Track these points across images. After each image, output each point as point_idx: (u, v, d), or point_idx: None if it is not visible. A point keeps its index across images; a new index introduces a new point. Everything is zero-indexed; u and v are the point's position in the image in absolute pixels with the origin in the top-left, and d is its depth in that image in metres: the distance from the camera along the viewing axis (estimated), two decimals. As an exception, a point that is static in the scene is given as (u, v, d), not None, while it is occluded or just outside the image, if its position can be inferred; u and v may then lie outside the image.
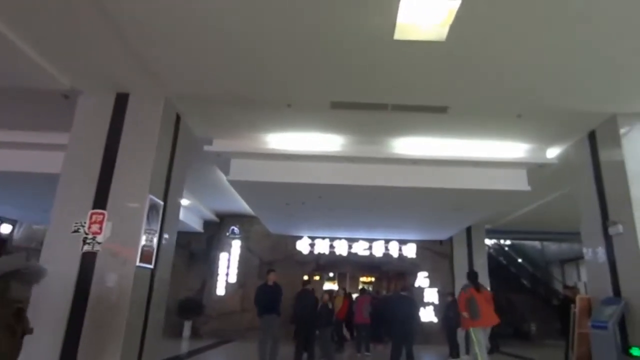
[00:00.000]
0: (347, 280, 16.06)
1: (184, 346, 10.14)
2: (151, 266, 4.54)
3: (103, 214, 4.39)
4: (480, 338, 5.47)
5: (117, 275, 4.14)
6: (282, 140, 6.01)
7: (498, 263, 17.18)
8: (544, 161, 6.15)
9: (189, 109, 5.23)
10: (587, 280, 5.78)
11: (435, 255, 12.25)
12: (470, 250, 12.07)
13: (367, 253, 12.03)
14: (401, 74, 4.20)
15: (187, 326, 11.53)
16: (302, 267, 12.45)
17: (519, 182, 6.38)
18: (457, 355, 8.10)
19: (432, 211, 8.12)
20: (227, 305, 11.81)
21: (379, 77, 4.29)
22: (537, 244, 17.31)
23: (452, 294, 9.29)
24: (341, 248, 12.05)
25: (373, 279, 15.70)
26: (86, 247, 4.24)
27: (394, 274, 13.07)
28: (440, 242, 12.23)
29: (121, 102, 4.85)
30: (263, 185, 6.52)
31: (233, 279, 11.95)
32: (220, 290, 11.89)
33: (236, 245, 12.29)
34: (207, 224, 12.62)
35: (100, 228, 4.33)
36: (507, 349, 10.30)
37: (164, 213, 4.86)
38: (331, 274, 15.20)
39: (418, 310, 6.90)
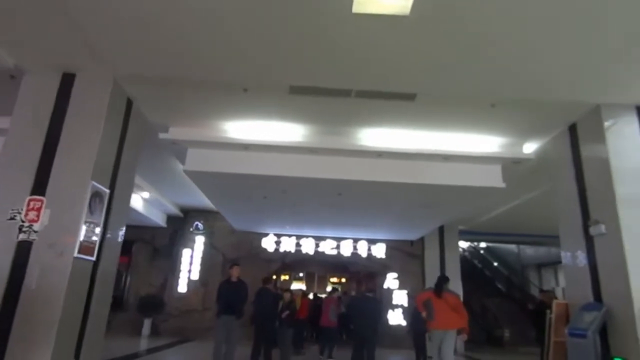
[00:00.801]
0: (315, 280, 16.21)
1: (142, 344, 9.99)
2: (93, 258, 4.32)
3: (41, 201, 4.24)
4: (434, 339, 5.64)
5: (53, 266, 3.99)
6: (241, 128, 5.84)
7: (473, 266, 17.63)
8: (520, 156, 6.10)
9: (142, 94, 5.03)
10: (565, 284, 5.62)
11: (405, 256, 12.39)
12: (443, 251, 12.27)
13: (334, 252, 12.03)
14: (363, 54, 4.03)
15: (147, 324, 11.33)
16: (268, 265, 12.40)
17: (493, 179, 6.36)
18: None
19: (401, 208, 8.21)
20: (188, 303, 11.65)
21: (338, 58, 4.11)
22: (513, 247, 17.73)
23: None
24: (308, 246, 12.01)
25: (344, 280, 15.90)
26: (22, 236, 4.07)
27: (364, 275, 13.24)
28: (411, 242, 12.34)
29: (67, 83, 4.64)
30: (221, 176, 6.33)
31: (195, 276, 11.78)
32: (182, 288, 11.69)
33: (200, 241, 12.12)
34: (171, 219, 12.41)
35: (38, 215, 4.17)
36: (478, 355, 10.66)
37: (110, 202, 4.70)
38: (300, 274, 15.31)
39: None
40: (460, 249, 17.57)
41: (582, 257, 5.05)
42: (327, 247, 12.13)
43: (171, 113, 5.61)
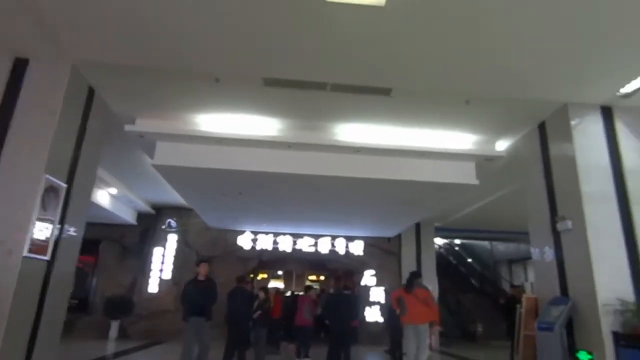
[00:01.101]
0: (294, 278, 16.10)
1: (109, 348, 9.61)
2: (46, 257, 4.06)
3: (-12, 194, 3.98)
4: (408, 334, 5.80)
5: (1, 265, 3.73)
6: (213, 121, 5.68)
7: (448, 263, 18.04)
8: (493, 154, 6.25)
9: (105, 82, 4.79)
10: (534, 279, 5.81)
11: (383, 253, 12.45)
12: (419, 248, 12.40)
13: (312, 250, 11.98)
14: (337, 46, 3.97)
15: (115, 326, 10.93)
16: (244, 263, 12.21)
17: (467, 175, 6.47)
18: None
19: (377, 205, 8.19)
20: (159, 303, 11.29)
21: (313, 50, 4.03)
22: (486, 244, 18.25)
23: None
24: (285, 244, 11.91)
25: (322, 277, 15.86)
26: (-35, 233, 3.83)
27: (343, 272, 13.25)
28: (388, 239, 12.42)
29: (19, 68, 4.36)
30: (193, 171, 6.12)
31: (168, 275, 11.43)
32: (153, 288, 11.33)
33: (172, 239, 11.76)
34: (141, 216, 11.98)
35: (-16, 210, 3.92)
36: (451, 350, 10.80)
37: (68, 198, 4.44)
38: (279, 272, 15.14)
39: (358, 309, 6.83)
40: (437, 246, 18.02)
41: (549, 253, 5.20)
42: (305, 245, 12.04)
43: (138, 104, 5.37)
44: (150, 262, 11.50)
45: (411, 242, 12.41)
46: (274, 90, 4.85)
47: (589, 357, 4.39)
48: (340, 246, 12.04)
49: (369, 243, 12.32)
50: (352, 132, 6.00)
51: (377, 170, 6.33)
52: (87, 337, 10.61)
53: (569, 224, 4.88)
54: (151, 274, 11.41)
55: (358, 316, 6.76)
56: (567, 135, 5.06)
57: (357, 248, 12.13)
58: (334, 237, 12.09)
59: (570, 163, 4.94)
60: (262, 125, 5.83)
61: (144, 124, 5.64)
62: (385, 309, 9.87)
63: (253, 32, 3.85)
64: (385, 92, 4.86)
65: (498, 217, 11.19)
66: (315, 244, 12.04)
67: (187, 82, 4.79)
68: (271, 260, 12.75)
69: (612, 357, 4.20)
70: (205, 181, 6.78)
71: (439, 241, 17.76)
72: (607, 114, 5.17)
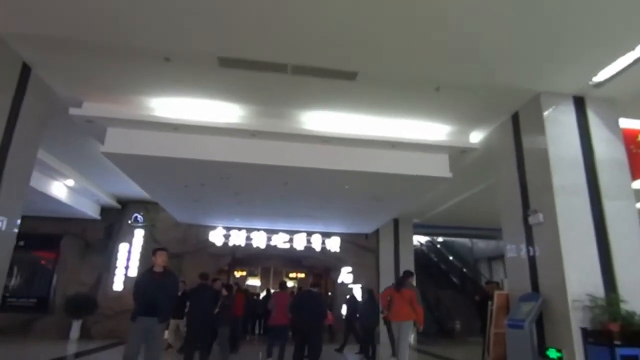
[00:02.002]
0: (271, 276, 15.83)
1: (69, 348, 9.15)
2: None
3: None
4: (396, 331, 6.21)
5: None
6: (168, 106, 5.37)
7: (429, 260, 18.12)
8: (467, 145, 6.13)
9: (43, 59, 4.38)
10: (507, 275, 5.73)
11: (360, 249, 12.29)
12: (397, 244, 12.30)
13: (287, 246, 11.72)
14: (296, 23, 3.71)
15: (76, 326, 10.43)
16: (217, 260, 11.86)
17: (440, 168, 6.33)
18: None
19: (350, 199, 7.96)
20: (125, 302, 10.78)
21: (270, 26, 3.78)
22: (467, 241, 18.41)
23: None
24: (259, 240, 11.60)
25: (302, 275, 15.63)
26: None
27: (322, 269, 13.04)
28: (366, 235, 12.27)
29: None
30: (147, 160, 5.78)
31: (134, 272, 10.99)
32: (118, 286, 10.88)
33: (139, 234, 11.31)
34: (106, 210, 11.49)
35: None
36: (428, 347, 10.73)
37: (-2, 184, 4.11)
38: (256, 270, 14.85)
39: (325, 308, 6.56)
40: (418, 243, 18.07)
41: (521, 247, 5.10)
42: (280, 241, 11.76)
43: (84, 85, 4.99)
44: (116, 258, 11.04)
45: (389, 239, 12.29)
46: (231, 71, 4.56)
47: (558, 354, 4.27)
48: (317, 242, 11.81)
49: (346, 239, 12.13)
50: (319, 120, 5.76)
51: (347, 162, 6.11)
52: (46, 337, 10.12)
53: (540, 217, 4.78)
54: (116, 271, 10.95)
55: (325, 315, 6.46)
56: (539, 125, 4.97)
57: (334, 244, 11.92)
58: (309, 233, 11.85)
59: (543, 154, 4.85)
60: (223, 111, 5.53)
61: (91, 108, 5.27)
62: (349, 306, 9.56)
63: (206, 7, 3.56)
64: (350, 76, 4.62)
65: (476, 214, 11.16)
66: (291, 240, 11.77)
67: (134, 60, 4.44)
68: (245, 257, 12.44)
69: (581, 354, 4.09)
70: (163, 171, 6.43)
71: (420, 239, 17.80)
72: (580, 104, 5.10)
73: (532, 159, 5.12)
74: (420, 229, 13.44)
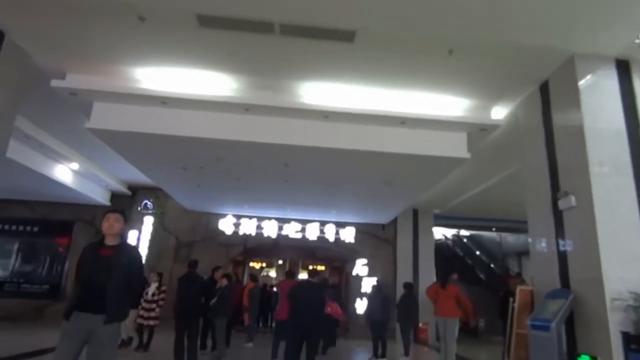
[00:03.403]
0: (287, 268, 15.47)
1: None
2: None
3: None
4: (441, 326, 6.46)
5: None
6: (155, 77, 5.02)
7: (454, 254, 17.39)
8: (488, 122, 5.44)
9: (18, 24, 4.10)
10: (532, 268, 5.02)
11: (376, 240, 11.68)
12: (416, 236, 11.70)
13: (299, 236, 11.24)
14: None
15: (84, 315, 10.52)
16: (227, 249, 11.59)
17: (457, 148, 5.66)
18: (379, 355, 7.42)
19: (358, 184, 7.37)
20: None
21: None
22: (495, 236, 17.52)
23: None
24: (270, 229, 11.22)
25: (322, 268, 15.18)
26: None
27: (338, 261, 12.55)
28: (383, 226, 11.65)
29: None
30: (135, 137, 5.45)
31: (142, 260, 10.96)
32: (127, 274, 10.88)
33: (148, 221, 11.23)
34: (116, 197, 11.45)
35: None
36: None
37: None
38: (280, 261, 14.41)
39: (324, 299, 6.00)
40: (442, 237, 17.34)
41: (549, 236, 4.45)
42: (292, 231, 11.35)
43: (63, 53, 4.70)
44: (124, 246, 10.96)
45: (407, 230, 11.67)
46: (213, 33, 4.11)
47: (592, 362, 3.63)
48: (330, 232, 11.31)
49: (362, 230, 11.58)
50: (318, 93, 5.25)
51: (350, 140, 5.57)
52: (55, 324, 10.19)
53: (573, 200, 4.10)
54: (125, 258, 10.87)
55: (324, 306, 5.97)
56: (573, 95, 4.26)
57: (348, 235, 11.39)
58: (322, 223, 11.37)
59: (577, 129, 4.16)
60: (214, 83, 5.12)
61: (75, 80, 4.97)
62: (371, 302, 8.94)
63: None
64: (348, 37, 4.08)
65: (503, 205, 10.35)
66: (303, 230, 11.35)
67: (108, 23, 4.07)
68: (257, 248, 12.13)
69: (620, 364, 3.44)
70: (154, 150, 6.08)
71: (446, 232, 17.11)
72: (623, 68, 4.36)
73: (563, 134, 4.42)
74: (442, 221, 12.71)
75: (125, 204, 11.46)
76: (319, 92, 5.24)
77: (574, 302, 3.89)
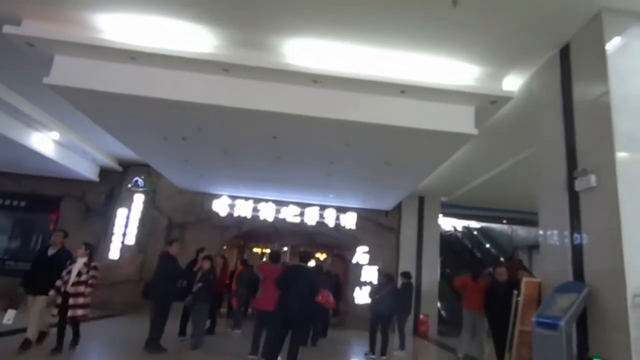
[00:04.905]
0: (288, 255, 15.08)
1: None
2: None
3: None
4: (466, 319, 6.48)
5: None
6: (122, 28, 4.59)
7: (463, 246, 16.95)
8: (499, 94, 4.91)
9: None
10: (541, 258, 4.53)
11: (379, 228, 11.17)
12: (421, 225, 11.22)
13: (298, 220, 10.81)
14: None
15: (71, 294, 10.33)
16: (221, 232, 11.23)
17: (464, 123, 5.14)
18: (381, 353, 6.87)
19: (356, 163, 6.84)
20: (120, 272, 10.56)
21: None
22: (507, 229, 17.01)
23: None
24: (267, 212, 10.80)
25: (323, 255, 14.76)
26: None
27: (337, 248, 12.11)
28: (386, 213, 11.14)
29: None
30: (102, 97, 5.00)
31: (131, 240, 10.65)
32: (114, 254, 10.62)
33: (139, 199, 10.90)
34: (106, 172, 11.14)
35: None
36: (448, 340, 9.60)
37: None
38: (285, 248, 14.00)
39: (315, 287, 5.49)
40: (452, 228, 16.85)
41: (562, 221, 3.92)
42: (289, 214, 10.93)
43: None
44: (113, 224, 10.72)
45: (412, 218, 11.21)
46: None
47: (607, 368, 3.14)
48: (330, 218, 10.87)
49: (363, 216, 11.11)
50: (307, 53, 4.74)
51: (343, 110, 5.09)
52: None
53: (593, 179, 3.57)
54: (113, 238, 10.63)
55: (316, 294, 5.52)
56: (599, 57, 3.71)
57: (349, 221, 10.93)
58: (322, 207, 10.93)
59: (602, 97, 3.61)
60: (190, 38, 4.65)
61: (31, 28, 4.53)
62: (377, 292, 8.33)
63: None
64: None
65: (515, 194, 9.84)
66: (302, 214, 10.92)
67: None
68: (253, 232, 11.76)
69: (641, 371, 2.93)
70: (125, 114, 5.62)
71: (456, 224, 16.66)
72: None
73: (585, 105, 3.87)
74: (449, 209, 12.17)
75: (115, 181, 11.19)
76: (307, 53, 4.74)
77: (588, 298, 3.39)
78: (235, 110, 5.09)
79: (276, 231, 11.50)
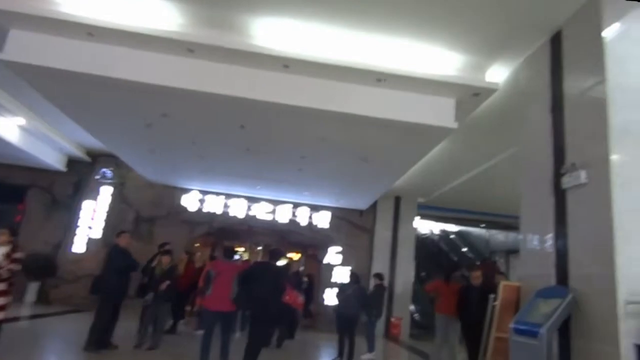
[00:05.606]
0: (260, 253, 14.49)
1: (16, 312, 8.19)
2: None
3: None
4: (438, 324, 6.04)
5: None
6: (81, 2, 4.07)
7: (440, 250, 16.74)
8: (482, 85, 4.53)
9: None
10: (521, 261, 4.20)
11: (353, 227, 10.73)
12: (397, 226, 10.84)
13: (270, 218, 10.28)
14: None
15: (33, 289, 9.49)
16: (191, 228, 10.59)
17: (443, 116, 4.75)
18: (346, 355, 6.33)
19: (330, 157, 6.40)
20: (86, 266, 9.80)
21: None
22: (484, 233, 16.92)
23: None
24: (238, 208, 10.20)
25: (297, 255, 14.22)
26: None
27: (310, 248, 11.63)
28: (361, 212, 10.72)
29: None
30: (60, 76, 4.46)
31: (97, 234, 9.92)
32: (80, 247, 9.84)
33: (106, 192, 10.16)
34: (74, 163, 10.33)
35: None
36: (418, 344, 9.25)
37: None
38: (259, 247, 13.43)
39: (281, 286, 4.98)
40: (429, 231, 16.63)
41: (545, 220, 3.54)
42: (261, 211, 10.40)
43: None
44: (79, 217, 9.97)
45: (388, 218, 10.84)
46: None
47: (591, 381, 2.77)
48: (303, 216, 10.39)
49: (337, 215, 10.67)
50: (277, 35, 4.28)
51: (315, 98, 4.65)
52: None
53: (582, 175, 3.19)
54: (78, 231, 9.88)
55: (281, 293, 5.04)
56: (595, 45, 3.31)
57: (323, 220, 10.48)
58: (295, 205, 10.44)
59: (596, 86, 3.24)
60: (152, 14, 4.15)
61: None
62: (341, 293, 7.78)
63: None
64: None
65: (494, 197, 9.56)
66: (274, 212, 10.40)
67: None
68: (224, 228, 11.14)
69: (631, 385, 2.57)
70: (84, 95, 5.04)
71: (433, 227, 16.50)
72: None
73: (577, 97, 3.49)
74: (426, 211, 11.84)
75: (82, 172, 10.44)
76: (278, 34, 4.27)
77: (573, 304, 3.01)
78: (200, 94, 4.59)
79: (249, 229, 10.96)
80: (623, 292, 2.65)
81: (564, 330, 3.08)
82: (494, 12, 3.70)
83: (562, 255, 3.28)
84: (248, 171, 7.90)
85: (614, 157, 2.97)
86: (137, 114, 5.48)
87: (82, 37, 4.30)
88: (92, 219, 10.01)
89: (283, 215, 10.34)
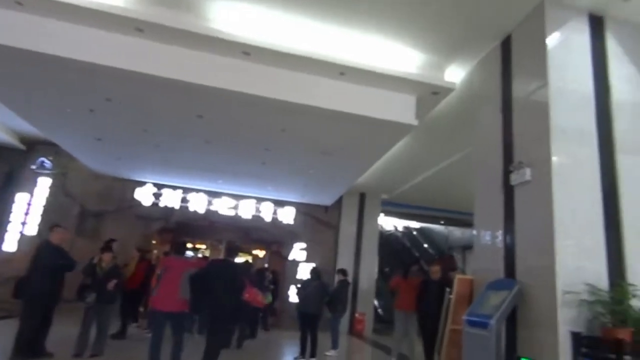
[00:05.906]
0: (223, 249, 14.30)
1: None
2: None
3: None
4: (397, 320, 6.29)
5: None
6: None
7: (403, 246, 17.42)
8: (441, 84, 4.80)
9: None
10: (474, 255, 4.49)
11: (317, 224, 10.90)
12: (361, 222, 11.12)
13: (232, 213, 10.21)
14: None
15: (-47, 292, 8.85)
16: (146, 224, 10.29)
17: (404, 112, 4.98)
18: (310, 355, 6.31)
19: (292, 152, 6.52)
20: (16, 266, 9.23)
21: None
22: (443, 229, 17.76)
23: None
24: (198, 203, 10.05)
25: (262, 252, 14.13)
26: None
27: (273, 244, 11.63)
28: (326, 208, 10.91)
29: None
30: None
31: (32, 230, 9.37)
32: (11, 246, 9.28)
33: (44, 183, 9.62)
34: (5, 151, 9.71)
35: None
36: (381, 338, 9.60)
37: None
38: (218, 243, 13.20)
39: (240, 284, 4.99)
40: (393, 228, 17.19)
41: (496, 215, 3.85)
42: (223, 206, 10.28)
43: None
44: (10, 211, 9.36)
45: (352, 214, 11.11)
46: None
47: (533, 368, 3.05)
48: (267, 211, 10.39)
49: (302, 211, 10.78)
50: (238, 20, 4.28)
51: (276, 88, 4.71)
52: None
53: (527, 173, 3.54)
54: (9, 227, 9.29)
55: (240, 291, 5.05)
56: (539, 49, 3.71)
57: (287, 215, 10.54)
58: (259, 200, 10.42)
59: (540, 90, 3.60)
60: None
61: None
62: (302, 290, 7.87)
63: None
64: None
65: (452, 195, 10.09)
66: (236, 207, 10.32)
67: None
68: (183, 224, 10.90)
69: (569, 371, 2.86)
70: (16, 73, 4.79)
71: (397, 224, 17.01)
72: (597, 25, 3.88)
73: (524, 98, 3.85)
74: (390, 207, 12.24)
75: (15, 161, 9.81)
76: (239, 19, 4.27)
77: (519, 295, 3.30)
78: (149, 78, 4.48)
79: (210, 225, 10.80)
80: (561, 283, 2.94)
81: (512, 319, 3.37)
82: (452, 13, 3.96)
83: (509, 249, 3.59)
84: (208, 164, 7.80)
85: (554, 158, 3.30)
86: (77, 96, 5.25)
87: (8, 4, 4.05)
88: (26, 214, 9.43)
89: (246, 210, 10.31)
